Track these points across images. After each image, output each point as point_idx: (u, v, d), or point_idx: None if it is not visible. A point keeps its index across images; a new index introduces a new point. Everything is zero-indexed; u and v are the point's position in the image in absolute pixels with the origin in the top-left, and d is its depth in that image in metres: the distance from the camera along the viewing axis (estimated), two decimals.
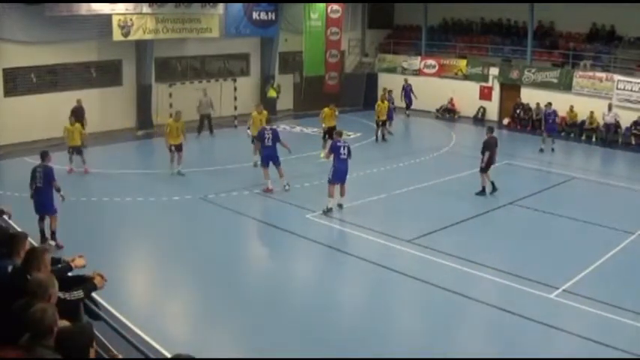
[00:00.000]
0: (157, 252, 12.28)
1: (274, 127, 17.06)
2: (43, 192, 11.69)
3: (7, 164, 18.52)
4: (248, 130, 18.64)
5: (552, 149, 21.14)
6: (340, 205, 14.35)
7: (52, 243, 11.64)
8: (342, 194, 14.31)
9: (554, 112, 21.44)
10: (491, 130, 16.37)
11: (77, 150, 17.07)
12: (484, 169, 15.61)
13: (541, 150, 20.77)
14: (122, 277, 10.40)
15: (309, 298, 10.34)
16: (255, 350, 8.41)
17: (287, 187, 15.61)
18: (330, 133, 18.78)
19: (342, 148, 14.11)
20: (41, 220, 11.75)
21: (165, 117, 22.98)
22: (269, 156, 15.67)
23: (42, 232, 11.67)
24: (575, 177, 17.95)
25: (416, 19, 30.67)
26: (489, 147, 15.62)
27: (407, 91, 27.37)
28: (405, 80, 28.11)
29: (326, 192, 14.16)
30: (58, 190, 11.80)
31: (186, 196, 15.20)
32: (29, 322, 3.89)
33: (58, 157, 18.92)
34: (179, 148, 16.92)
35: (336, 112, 20.18)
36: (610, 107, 22.66)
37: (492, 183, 15.62)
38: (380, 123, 22.03)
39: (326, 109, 19.96)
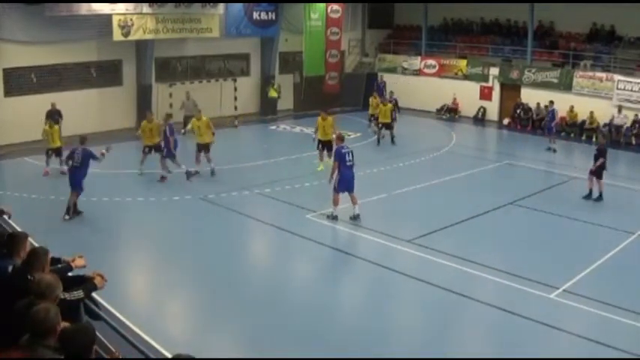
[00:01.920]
0: (157, 252, 12.27)
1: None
2: (77, 171, 13.29)
3: (7, 164, 18.52)
4: (183, 130, 18.38)
5: (554, 150, 21.16)
6: (356, 217, 13.41)
7: (67, 217, 13.22)
8: (354, 202, 13.46)
9: (552, 112, 21.47)
10: (604, 136, 16.29)
11: (57, 152, 16.93)
12: (599, 175, 15.35)
13: (548, 149, 20.96)
14: (122, 277, 10.40)
15: (309, 298, 10.33)
16: (255, 350, 8.41)
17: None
18: (324, 145, 17.53)
19: (347, 155, 13.38)
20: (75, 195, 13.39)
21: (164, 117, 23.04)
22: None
23: (73, 205, 13.35)
24: (576, 177, 17.94)
25: (416, 19, 30.68)
26: (604, 153, 15.43)
27: (380, 87, 27.59)
28: (380, 77, 28.47)
29: (327, 193, 14.06)
30: (102, 156, 13.47)
31: (186, 196, 15.19)
32: (31, 321, 3.89)
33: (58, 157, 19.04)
34: (157, 148, 16.78)
35: (330, 119, 17.81)
36: (620, 109, 22.66)
37: (600, 192, 15.35)
38: (381, 126, 21.52)
39: (318, 119, 17.83)
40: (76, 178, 13.28)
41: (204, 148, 16.84)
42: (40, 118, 19.60)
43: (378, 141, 21.74)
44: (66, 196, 13.49)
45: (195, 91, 23.46)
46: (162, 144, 16.51)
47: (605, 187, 15.38)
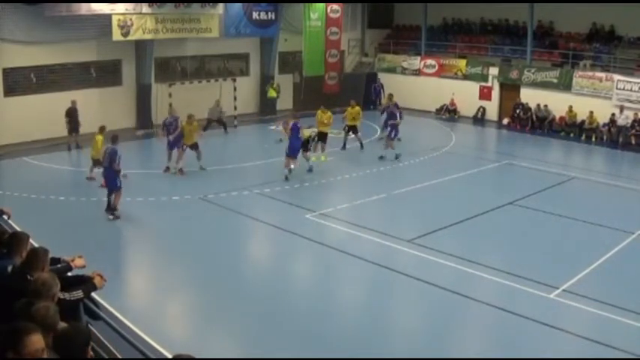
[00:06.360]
0: (157, 252, 12.27)
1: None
2: (106, 170, 13.35)
3: (7, 164, 18.49)
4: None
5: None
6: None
7: (110, 217, 13.27)
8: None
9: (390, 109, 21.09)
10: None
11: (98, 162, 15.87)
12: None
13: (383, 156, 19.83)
14: (122, 277, 10.41)
15: (308, 298, 10.34)
16: (255, 350, 8.41)
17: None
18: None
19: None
20: (109, 194, 13.43)
21: (164, 117, 23.02)
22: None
23: (108, 202, 13.45)
24: (575, 177, 17.95)
25: (416, 19, 30.67)
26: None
27: (377, 89, 27.91)
28: (378, 79, 28.95)
29: (326, 192, 14.78)
30: (118, 172, 13.18)
31: (186, 196, 15.18)
32: (32, 319, 3.88)
33: (58, 157, 19.06)
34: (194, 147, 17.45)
35: (330, 114, 19.36)
36: (622, 109, 22.64)
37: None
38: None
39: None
40: (107, 177, 13.41)
41: (323, 137, 18.83)
42: (40, 118, 19.64)
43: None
44: (65, 196, 13.49)
45: (195, 91, 23.43)
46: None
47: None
